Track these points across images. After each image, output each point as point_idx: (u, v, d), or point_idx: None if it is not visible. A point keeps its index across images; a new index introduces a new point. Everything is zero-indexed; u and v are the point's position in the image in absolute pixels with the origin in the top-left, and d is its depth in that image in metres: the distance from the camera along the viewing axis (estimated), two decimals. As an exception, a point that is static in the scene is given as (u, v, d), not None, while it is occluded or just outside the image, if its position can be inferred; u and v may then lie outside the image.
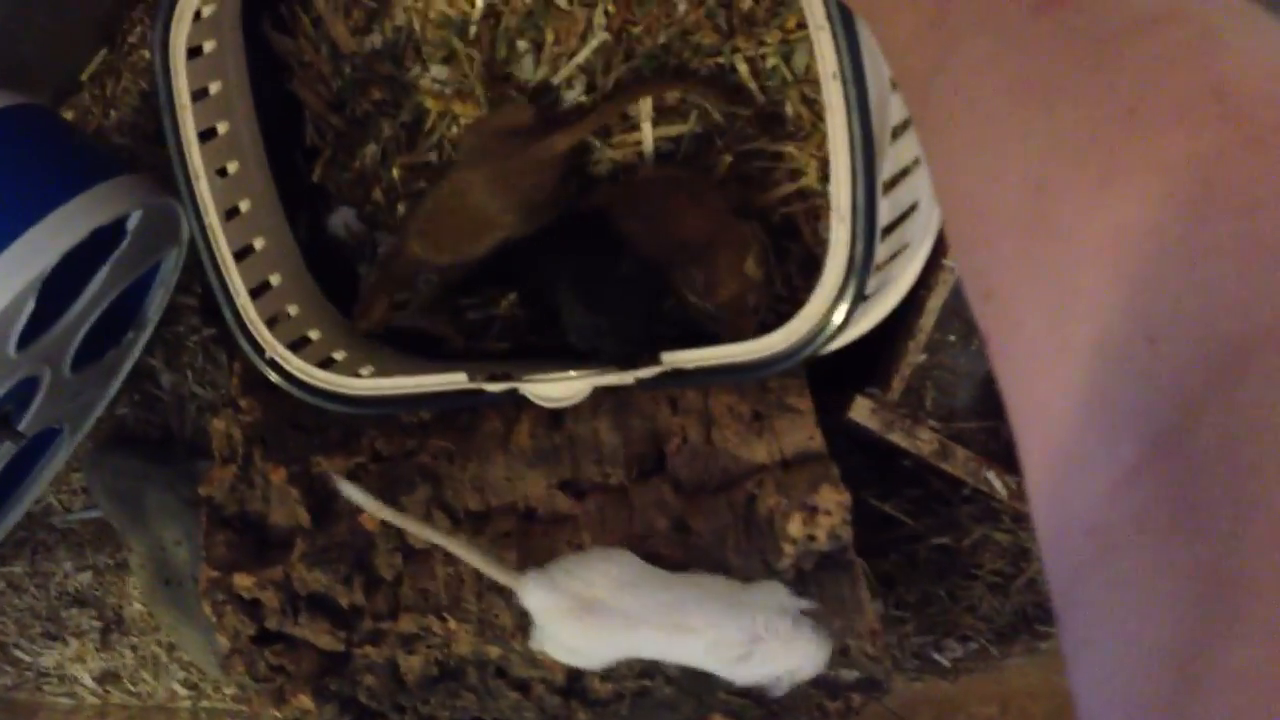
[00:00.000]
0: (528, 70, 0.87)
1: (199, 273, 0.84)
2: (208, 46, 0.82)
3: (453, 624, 0.87)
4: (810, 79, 0.84)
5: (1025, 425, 0.31)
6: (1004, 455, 0.88)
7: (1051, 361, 0.30)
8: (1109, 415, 0.27)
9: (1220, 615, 0.23)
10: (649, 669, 0.85)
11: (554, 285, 0.86)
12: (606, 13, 0.85)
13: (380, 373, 0.87)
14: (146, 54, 1.11)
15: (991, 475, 0.89)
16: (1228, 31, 0.29)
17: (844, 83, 0.67)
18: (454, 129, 0.91)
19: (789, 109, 0.85)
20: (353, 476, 0.92)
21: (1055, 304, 0.30)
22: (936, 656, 1.06)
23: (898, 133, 0.72)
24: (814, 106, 0.84)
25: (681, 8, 0.84)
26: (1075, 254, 0.29)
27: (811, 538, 0.83)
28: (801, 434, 0.87)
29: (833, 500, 0.83)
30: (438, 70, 0.89)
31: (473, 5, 0.87)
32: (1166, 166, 0.27)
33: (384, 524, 0.88)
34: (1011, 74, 0.33)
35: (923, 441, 0.90)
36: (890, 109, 0.71)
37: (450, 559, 0.88)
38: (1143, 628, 0.25)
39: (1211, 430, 0.24)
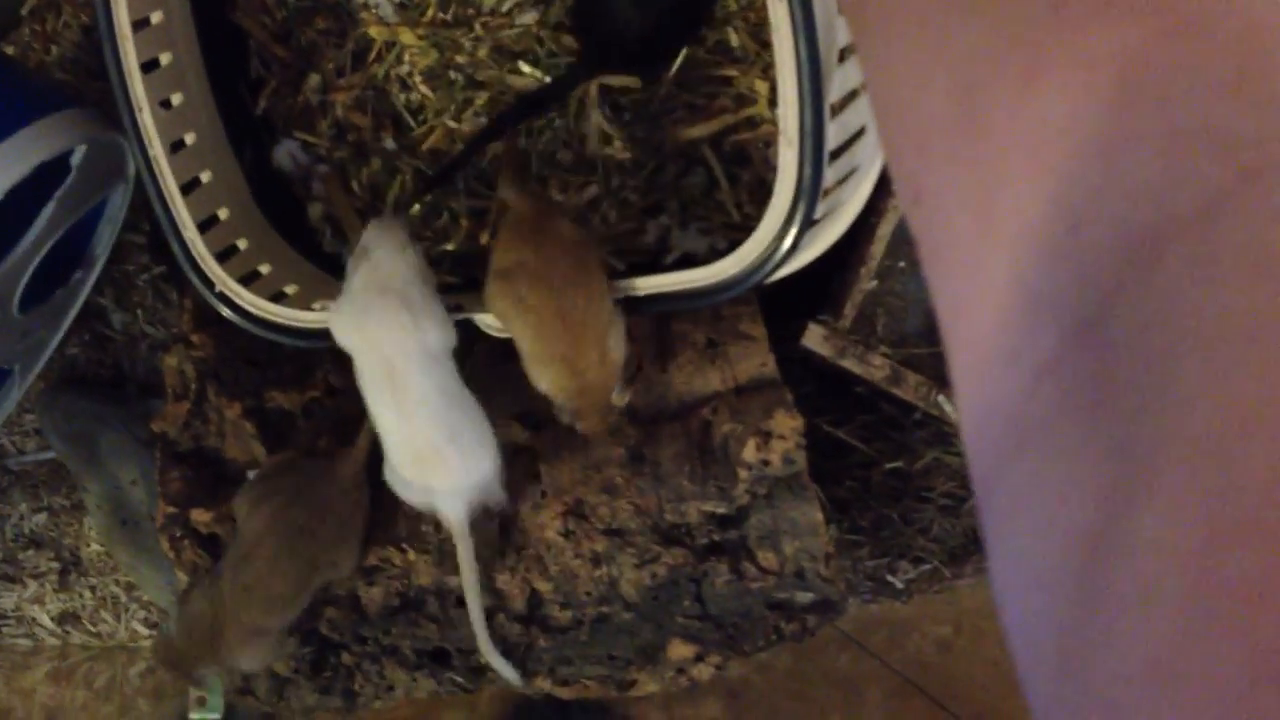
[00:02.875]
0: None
1: (147, 210, 0.83)
2: (148, -24, 0.81)
3: (412, 555, 0.88)
4: (755, 8, 0.84)
5: (952, 325, 0.32)
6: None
7: (977, 257, 0.30)
8: (1031, 307, 0.28)
9: (1131, 490, 0.23)
10: (607, 595, 0.86)
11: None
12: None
13: (333, 306, 0.87)
14: (87, -14, 1.09)
15: (942, 399, 0.90)
16: None
17: (790, 3, 0.67)
18: (402, 62, 0.90)
19: (734, 39, 0.84)
20: (307, 411, 0.92)
21: (981, 201, 0.30)
22: (890, 579, 1.08)
23: (845, 55, 0.72)
24: (759, 35, 0.84)
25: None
26: (999, 150, 0.29)
27: (766, 462, 0.84)
28: (755, 360, 0.88)
29: (786, 425, 0.84)
30: (383, -2, 0.88)
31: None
32: (1088, 60, 0.28)
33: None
34: None
35: (874, 367, 0.90)
36: (837, 31, 0.71)
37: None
38: (1058, 510, 0.25)
39: (1127, 316, 0.25)
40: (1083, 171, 0.27)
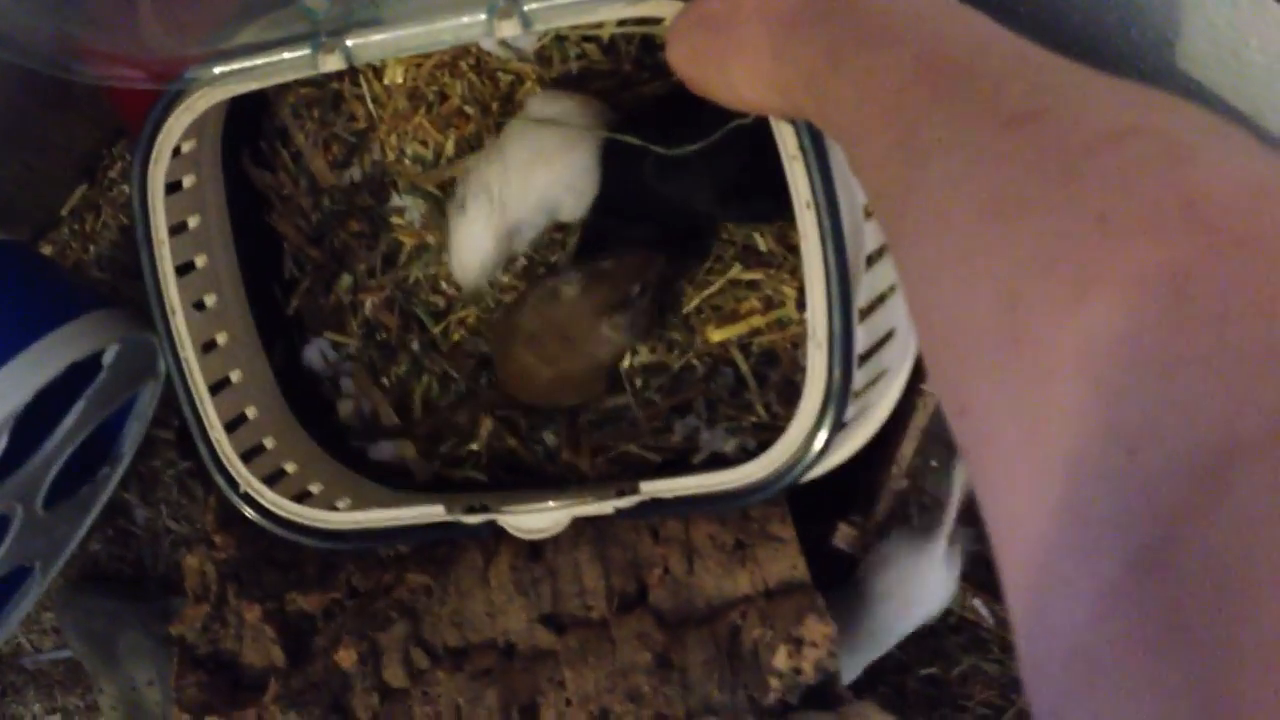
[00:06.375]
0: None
1: (176, 406, 0.83)
2: (187, 181, 0.83)
3: None
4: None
5: (1003, 543, 0.31)
6: (991, 582, 0.87)
7: (1028, 475, 0.29)
8: (1088, 531, 0.27)
9: None
10: None
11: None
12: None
13: (357, 505, 0.86)
14: (127, 189, 1.12)
15: (979, 603, 0.87)
16: (1194, 142, 0.30)
17: (818, 211, 0.68)
18: (432, 266, 0.91)
19: (761, 243, 0.85)
20: (328, 613, 0.90)
21: (1030, 417, 0.29)
22: (929, 790, 1.03)
23: (873, 260, 0.72)
24: (785, 239, 0.85)
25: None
26: (1049, 365, 0.29)
27: (798, 670, 0.81)
28: (784, 563, 0.86)
29: (818, 632, 0.82)
30: (406, 201, 0.90)
31: (447, 141, 0.89)
32: (1138, 276, 0.27)
33: (360, 661, 0.86)
34: (982, 189, 0.33)
35: (908, 569, 0.88)
36: (864, 237, 0.71)
37: (428, 698, 0.86)
38: None
39: (1195, 547, 0.24)
40: (1137, 391, 0.26)
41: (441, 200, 0.90)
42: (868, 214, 0.71)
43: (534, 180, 0.81)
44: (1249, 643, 0.22)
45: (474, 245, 0.83)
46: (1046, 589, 0.28)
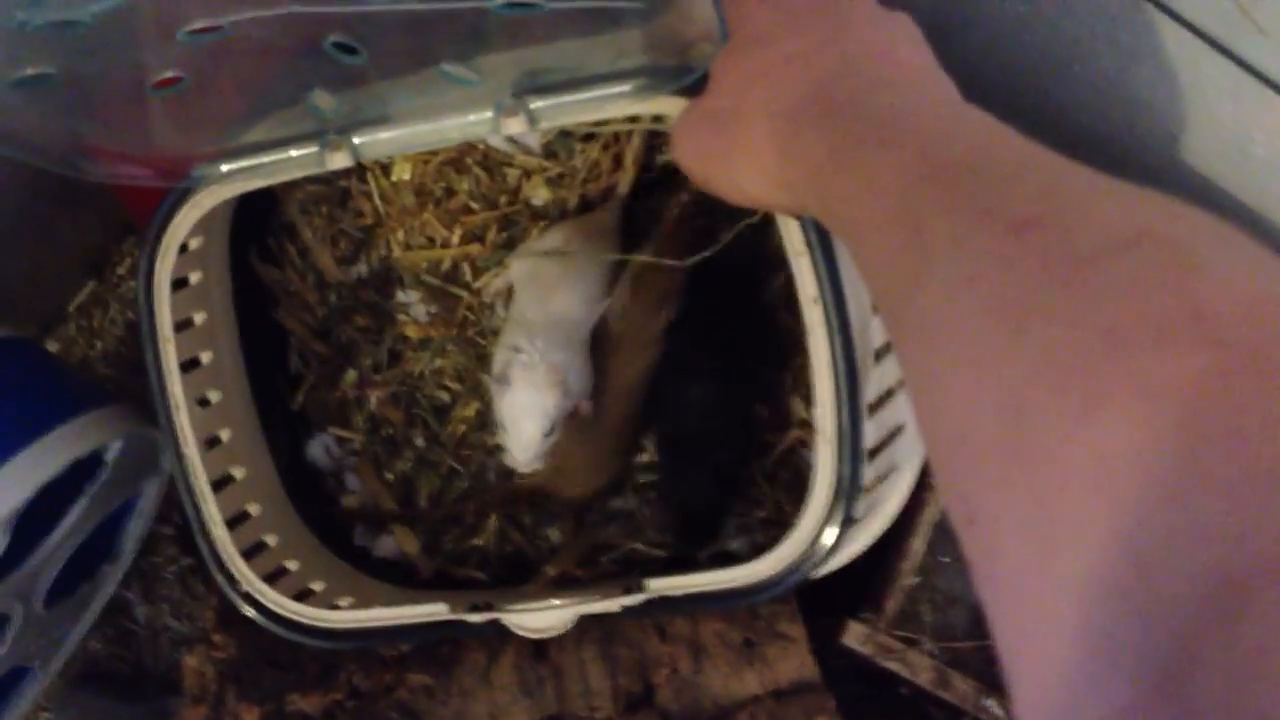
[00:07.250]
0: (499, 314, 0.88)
1: (178, 502, 0.83)
2: (194, 278, 0.83)
3: None
4: (787, 307, 0.85)
5: (1013, 657, 0.30)
6: (1003, 683, 0.85)
7: (1038, 591, 0.29)
8: (1101, 651, 0.26)
9: None
10: None
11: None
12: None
13: (359, 603, 0.85)
14: (134, 285, 1.12)
15: (992, 703, 0.85)
16: (1202, 252, 0.29)
17: (825, 306, 0.68)
18: (437, 360, 0.91)
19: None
20: (328, 715, 0.89)
21: (1040, 531, 0.29)
22: None
23: (881, 355, 0.72)
24: (791, 335, 0.84)
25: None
26: (1058, 480, 0.28)
27: (808, 774, 0.80)
28: (794, 662, 0.84)
29: (829, 733, 0.80)
30: (411, 297, 0.90)
31: (454, 236, 0.89)
32: (1148, 391, 0.27)
33: (361, 765, 0.84)
34: (988, 294, 0.33)
35: (919, 669, 0.87)
36: (872, 332, 0.71)
37: (430, 802, 0.84)
38: None
39: (1212, 672, 0.23)
40: (1150, 509, 0.26)
41: (447, 292, 0.90)
42: (875, 308, 0.71)
43: (554, 307, 0.81)
44: None
45: (531, 411, 0.78)
46: (1059, 710, 0.27)
